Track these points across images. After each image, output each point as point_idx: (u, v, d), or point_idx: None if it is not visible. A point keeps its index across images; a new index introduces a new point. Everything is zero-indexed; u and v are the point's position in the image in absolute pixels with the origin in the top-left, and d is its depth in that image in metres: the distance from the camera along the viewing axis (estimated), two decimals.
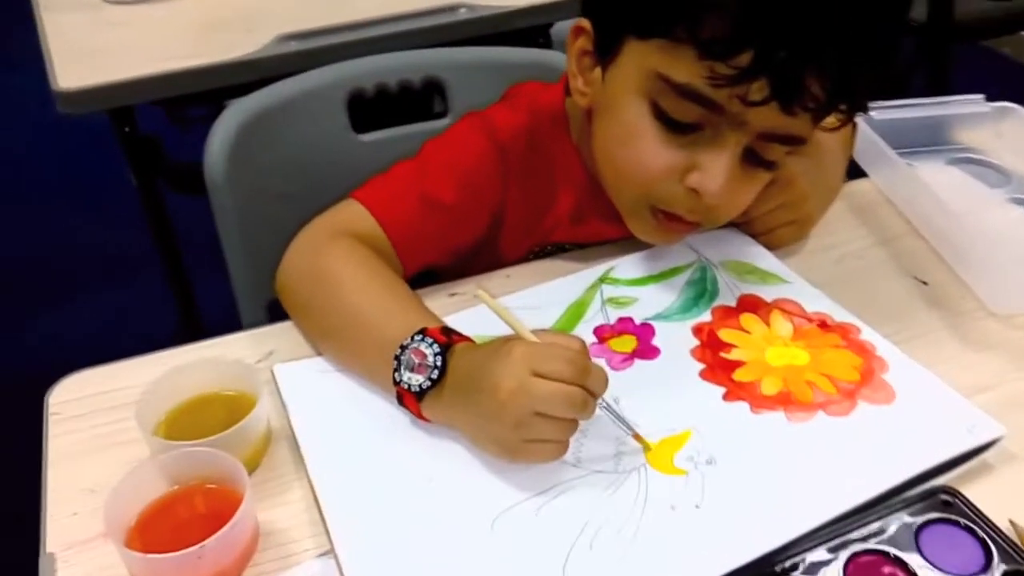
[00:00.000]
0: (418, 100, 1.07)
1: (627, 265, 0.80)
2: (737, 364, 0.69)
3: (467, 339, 0.64)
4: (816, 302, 0.75)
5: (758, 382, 0.67)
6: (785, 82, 0.60)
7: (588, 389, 0.58)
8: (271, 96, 0.97)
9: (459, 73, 1.01)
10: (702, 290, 0.77)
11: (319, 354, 0.71)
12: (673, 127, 0.66)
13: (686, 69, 0.62)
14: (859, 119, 0.77)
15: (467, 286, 0.80)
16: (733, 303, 0.76)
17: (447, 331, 0.63)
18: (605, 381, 0.59)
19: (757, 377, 0.68)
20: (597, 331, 0.73)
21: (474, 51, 1.05)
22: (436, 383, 0.61)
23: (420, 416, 0.63)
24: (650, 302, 0.76)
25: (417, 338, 0.62)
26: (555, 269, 0.81)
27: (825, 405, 0.65)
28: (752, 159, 0.68)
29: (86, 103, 1.11)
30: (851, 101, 0.65)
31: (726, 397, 0.66)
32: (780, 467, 0.60)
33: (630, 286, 0.78)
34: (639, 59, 0.66)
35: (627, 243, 0.84)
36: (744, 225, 0.83)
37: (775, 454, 0.61)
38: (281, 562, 0.57)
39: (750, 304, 0.75)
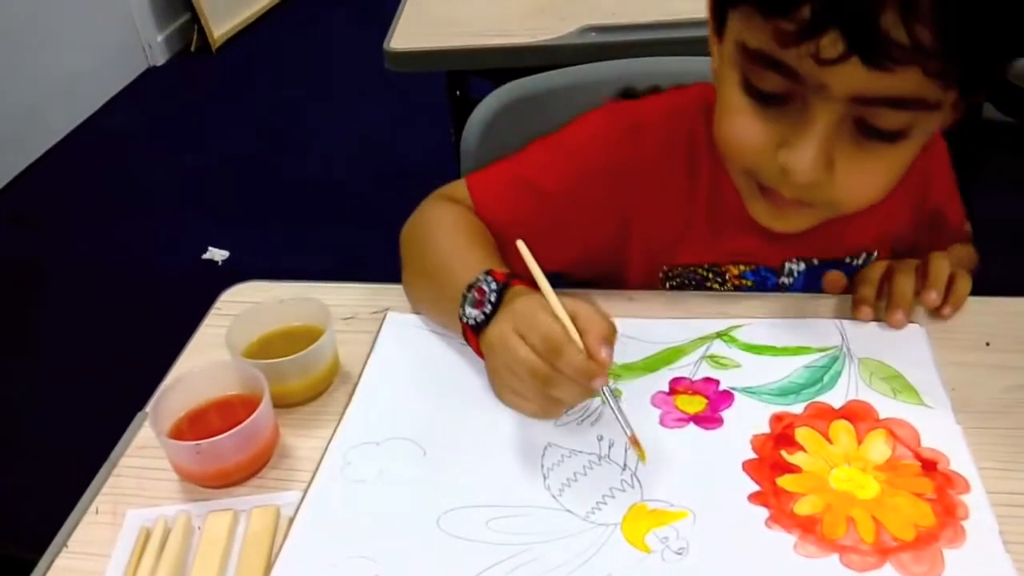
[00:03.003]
0: None
1: (755, 328, 0.72)
2: (790, 469, 0.60)
3: (527, 284, 0.64)
4: (941, 439, 0.61)
5: (797, 496, 0.58)
6: (858, 29, 0.53)
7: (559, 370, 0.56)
8: (542, 82, 1.02)
9: None
10: (815, 379, 0.67)
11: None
12: (761, 100, 0.62)
13: (757, 33, 0.58)
14: None
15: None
16: (837, 405, 0.64)
17: (512, 275, 0.65)
18: (584, 370, 0.56)
19: (801, 490, 0.58)
20: (673, 382, 0.68)
21: None
22: (490, 318, 0.63)
23: (479, 351, 0.65)
24: (750, 373, 0.68)
25: (481, 277, 0.65)
26: (683, 305, 0.76)
27: (845, 551, 0.54)
28: (867, 131, 0.60)
29: (405, 63, 1.28)
30: (958, 50, 0.53)
31: (752, 498, 0.58)
32: None
33: (743, 350, 0.70)
34: (734, 30, 0.62)
35: (776, 304, 0.75)
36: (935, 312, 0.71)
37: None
38: (281, 483, 0.65)
39: (856, 413, 0.63)
